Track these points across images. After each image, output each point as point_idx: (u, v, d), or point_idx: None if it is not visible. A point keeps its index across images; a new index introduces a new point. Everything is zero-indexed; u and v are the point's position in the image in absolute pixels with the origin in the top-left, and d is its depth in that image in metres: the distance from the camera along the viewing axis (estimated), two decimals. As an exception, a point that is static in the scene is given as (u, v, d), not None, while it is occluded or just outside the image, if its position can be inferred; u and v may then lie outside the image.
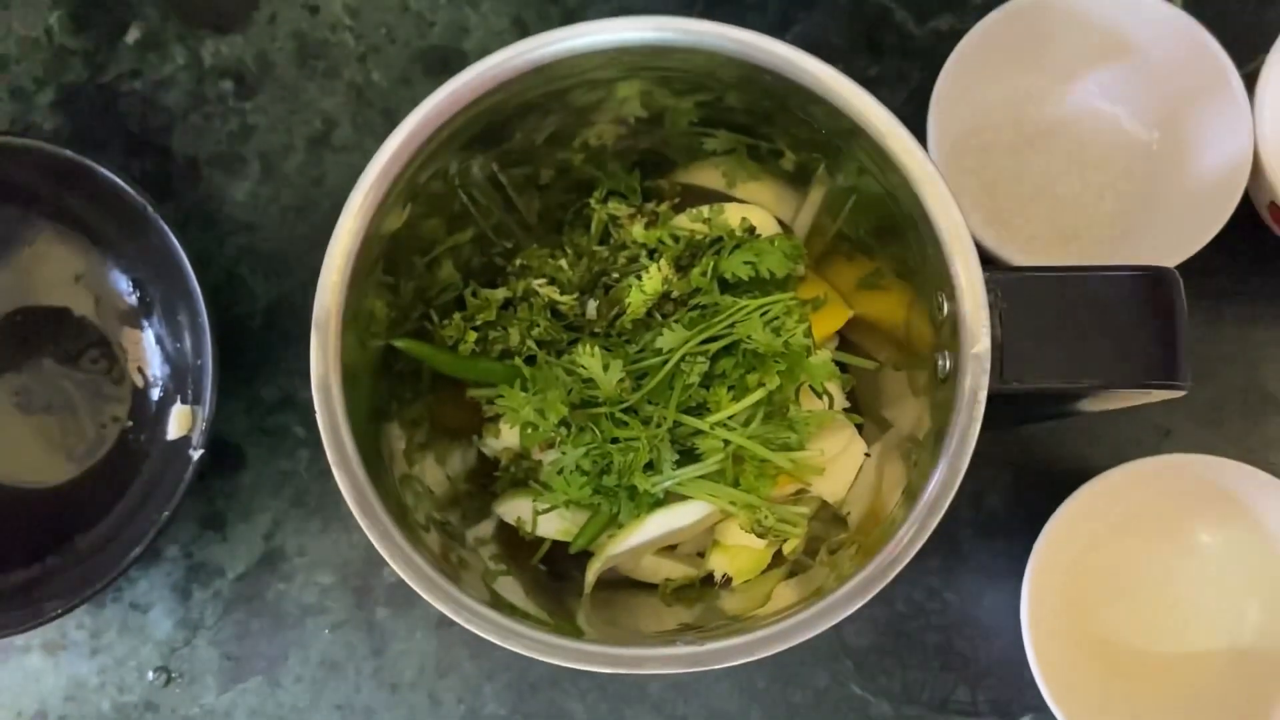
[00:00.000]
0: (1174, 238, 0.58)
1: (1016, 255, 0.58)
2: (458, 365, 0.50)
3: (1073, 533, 0.58)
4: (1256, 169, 0.58)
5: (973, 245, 0.41)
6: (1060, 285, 0.42)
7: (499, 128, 0.47)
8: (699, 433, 0.47)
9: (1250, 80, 0.58)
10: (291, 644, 0.62)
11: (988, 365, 0.41)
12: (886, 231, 0.47)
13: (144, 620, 0.63)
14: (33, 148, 0.59)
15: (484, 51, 0.45)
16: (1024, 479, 0.63)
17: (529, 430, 0.47)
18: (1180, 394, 0.42)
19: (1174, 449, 0.60)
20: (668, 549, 0.52)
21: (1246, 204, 0.60)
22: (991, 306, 0.41)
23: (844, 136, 0.44)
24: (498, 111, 0.46)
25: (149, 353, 0.63)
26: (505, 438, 0.51)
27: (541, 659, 0.40)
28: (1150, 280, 0.42)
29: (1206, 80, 0.59)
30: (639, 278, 0.48)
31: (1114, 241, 0.61)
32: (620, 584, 0.52)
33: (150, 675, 0.63)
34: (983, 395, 0.41)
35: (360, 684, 0.62)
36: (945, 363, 0.42)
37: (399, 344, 0.48)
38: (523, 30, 0.66)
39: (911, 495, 0.44)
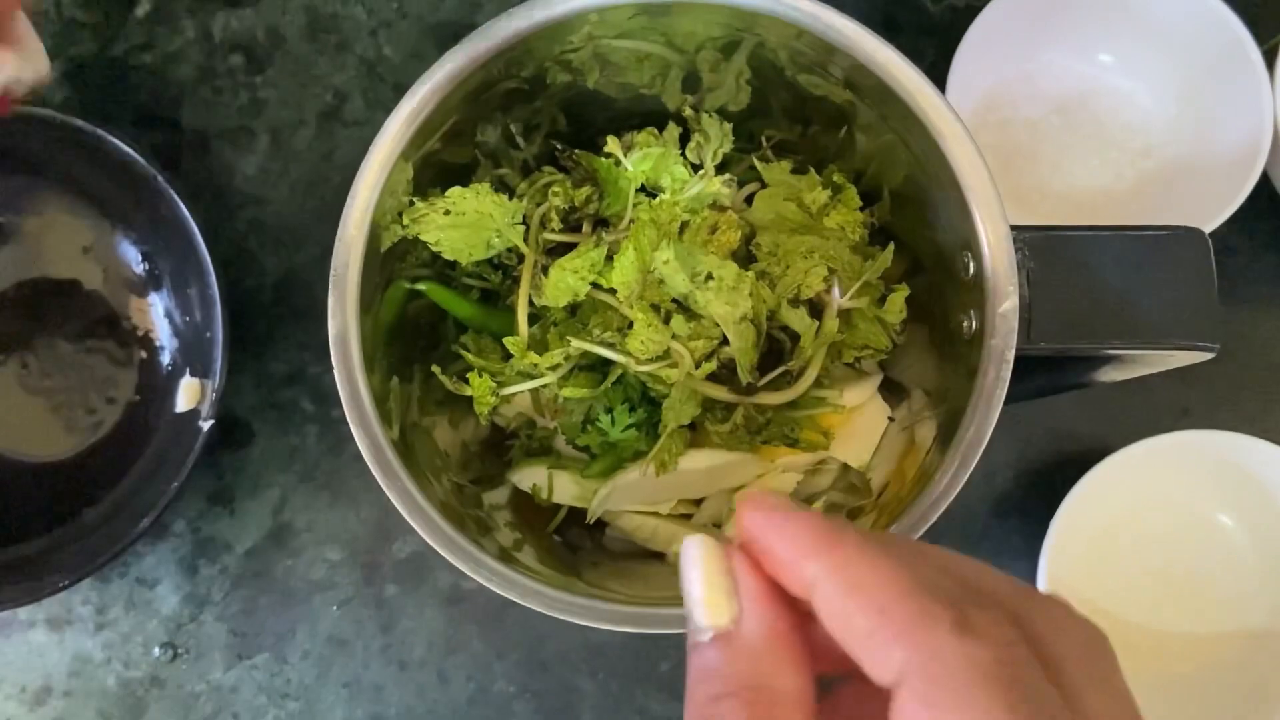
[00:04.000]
0: (1192, 214, 0.58)
1: (1034, 230, 0.57)
2: (477, 314, 0.49)
3: (1090, 511, 0.57)
4: (1276, 146, 0.58)
5: (1000, 203, 0.40)
6: (1089, 244, 0.41)
7: (515, 90, 0.47)
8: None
9: (1270, 56, 0.58)
10: (299, 620, 0.62)
11: (1015, 324, 0.40)
12: (909, 194, 0.46)
13: (150, 595, 0.62)
14: (43, 116, 0.58)
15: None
16: (1040, 457, 0.62)
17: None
18: (1209, 356, 0.41)
19: (1191, 427, 0.60)
20: (683, 518, 0.51)
21: (1265, 181, 0.59)
22: (1019, 265, 0.40)
23: (868, 96, 0.43)
24: (514, 71, 0.46)
25: (158, 325, 0.62)
26: (516, 403, 0.51)
27: (564, 618, 0.39)
28: (1180, 240, 0.41)
29: (1226, 56, 0.59)
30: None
31: (1132, 218, 0.60)
32: (636, 554, 0.52)
33: (156, 651, 0.62)
34: (1010, 355, 0.40)
35: (368, 661, 0.61)
36: (971, 323, 0.42)
37: (421, 286, 0.47)
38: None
39: (933, 462, 0.43)
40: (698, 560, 0.26)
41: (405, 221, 0.44)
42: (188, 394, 0.60)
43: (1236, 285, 0.63)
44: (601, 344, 0.45)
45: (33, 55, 0.51)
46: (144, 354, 0.62)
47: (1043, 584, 0.56)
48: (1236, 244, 0.63)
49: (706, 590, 0.25)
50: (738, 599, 0.25)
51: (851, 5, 0.65)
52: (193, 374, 0.61)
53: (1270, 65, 0.58)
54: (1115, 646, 0.62)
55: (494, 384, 0.46)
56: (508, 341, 0.46)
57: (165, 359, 0.62)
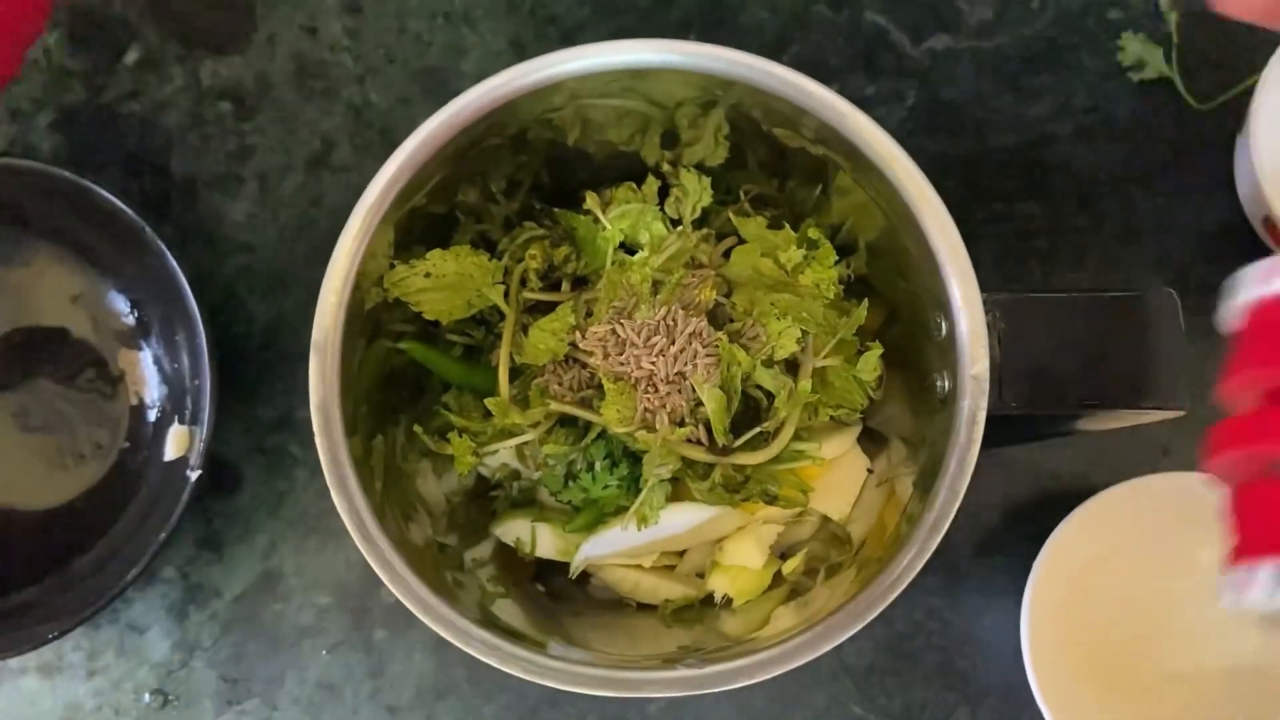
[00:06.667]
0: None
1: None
2: (459, 372, 0.50)
3: (1072, 551, 0.57)
4: (1252, 185, 0.58)
5: (971, 266, 0.41)
6: (1059, 307, 0.42)
7: (497, 148, 0.47)
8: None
9: (1244, 97, 0.58)
10: (289, 665, 0.62)
11: (986, 386, 0.41)
12: (885, 247, 0.47)
13: (141, 642, 0.62)
14: (31, 168, 0.59)
15: (482, 72, 0.45)
16: (1023, 498, 0.63)
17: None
18: (1179, 415, 0.42)
19: (1172, 467, 0.60)
20: (667, 569, 0.52)
21: (1243, 221, 0.60)
22: (990, 328, 0.41)
23: (843, 158, 0.44)
24: (496, 133, 0.46)
25: (146, 373, 0.63)
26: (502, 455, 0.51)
27: (539, 682, 0.39)
28: (1149, 301, 0.42)
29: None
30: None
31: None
32: (620, 606, 0.52)
33: (147, 697, 0.62)
34: (982, 416, 0.41)
35: (358, 706, 0.62)
36: (944, 383, 0.42)
37: (404, 346, 0.48)
38: (520, 51, 0.66)
39: (911, 515, 0.44)
40: None
41: (386, 285, 0.45)
42: (176, 442, 0.61)
43: (1214, 324, 0.63)
44: (579, 404, 0.45)
45: None
46: (133, 402, 0.63)
47: (1026, 623, 0.56)
48: (1215, 282, 0.63)
49: None
50: None
51: (832, 50, 0.67)
52: (181, 422, 0.61)
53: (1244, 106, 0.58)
54: (1099, 686, 0.62)
55: (474, 444, 0.47)
56: (489, 403, 0.46)
57: (154, 407, 0.62)
